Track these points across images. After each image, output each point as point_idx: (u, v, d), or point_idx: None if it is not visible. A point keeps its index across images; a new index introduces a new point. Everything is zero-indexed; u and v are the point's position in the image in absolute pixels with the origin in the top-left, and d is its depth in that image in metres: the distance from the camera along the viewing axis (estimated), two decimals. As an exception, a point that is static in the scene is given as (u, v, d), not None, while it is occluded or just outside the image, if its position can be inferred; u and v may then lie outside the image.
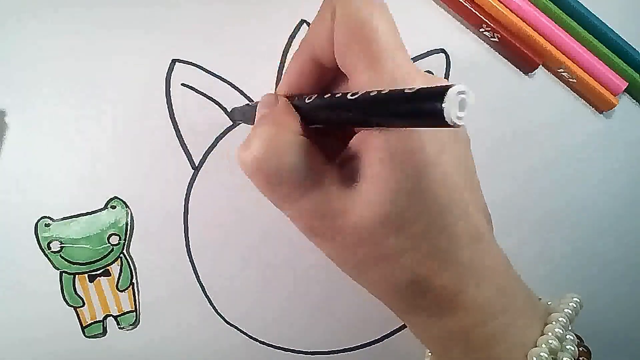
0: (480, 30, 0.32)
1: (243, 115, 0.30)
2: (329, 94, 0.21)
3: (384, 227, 0.21)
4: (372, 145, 0.21)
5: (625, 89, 0.32)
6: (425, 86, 0.16)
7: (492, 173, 0.34)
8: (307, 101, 0.22)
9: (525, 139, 0.34)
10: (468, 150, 0.24)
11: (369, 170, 0.21)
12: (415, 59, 0.32)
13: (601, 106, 0.33)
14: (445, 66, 0.32)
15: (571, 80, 0.32)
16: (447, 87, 0.15)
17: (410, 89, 0.16)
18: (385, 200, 0.20)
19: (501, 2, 0.31)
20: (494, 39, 0.32)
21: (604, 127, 0.34)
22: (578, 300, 0.25)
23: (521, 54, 0.32)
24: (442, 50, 0.32)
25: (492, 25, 0.31)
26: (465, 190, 0.22)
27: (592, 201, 0.34)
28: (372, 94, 0.18)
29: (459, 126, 0.15)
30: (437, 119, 0.15)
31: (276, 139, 0.21)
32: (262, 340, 0.34)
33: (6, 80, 0.31)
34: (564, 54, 0.32)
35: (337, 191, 0.21)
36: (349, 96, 0.19)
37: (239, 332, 0.34)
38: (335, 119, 0.21)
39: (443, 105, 0.15)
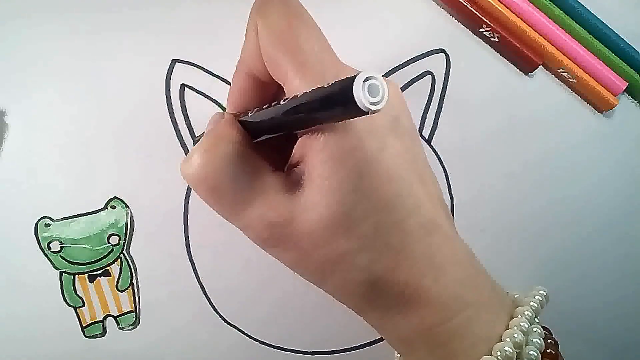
0: (480, 30, 0.32)
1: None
2: (267, 105, 0.22)
3: (332, 228, 0.21)
4: (312, 148, 0.21)
5: (625, 89, 0.32)
6: (343, 79, 0.17)
7: (491, 172, 0.34)
8: (249, 114, 0.23)
9: (525, 139, 0.34)
10: (414, 143, 0.24)
11: (312, 173, 0.21)
12: (415, 59, 0.32)
13: (601, 106, 0.33)
14: (445, 66, 0.32)
15: (571, 80, 0.32)
16: (354, 76, 0.15)
17: (327, 83, 0.17)
18: (330, 201, 0.20)
19: (501, 2, 0.31)
20: (494, 39, 0.32)
21: (604, 127, 0.34)
22: (544, 293, 0.26)
23: (521, 54, 0.32)
24: (442, 50, 0.32)
25: (492, 25, 0.31)
26: (414, 184, 0.22)
27: (592, 201, 0.34)
28: (299, 95, 0.19)
29: (375, 111, 0.15)
30: (352, 108, 0.16)
31: (214, 150, 0.21)
32: (262, 340, 0.34)
33: (6, 80, 0.31)
34: (564, 54, 0.32)
35: (283, 198, 0.21)
36: (281, 102, 0.20)
37: (238, 332, 0.34)
38: (275, 126, 0.22)
39: (353, 93, 0.15)
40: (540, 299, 0.25)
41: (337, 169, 0.20)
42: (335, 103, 0.17)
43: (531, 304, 0.24)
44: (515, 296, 0.26)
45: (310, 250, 0.22)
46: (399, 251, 0.21)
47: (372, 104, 0.15)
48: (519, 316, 0.23)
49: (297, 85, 0.20)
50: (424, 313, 0.22)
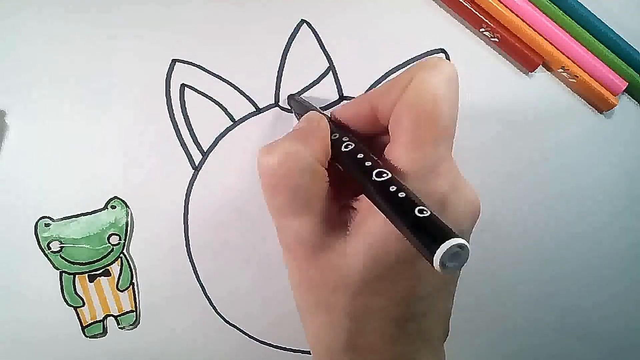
0: (480, 30, 0.32)
1: (297, 107, 0.31)
2: (363, 156, 0.22)
3: (354, 284, 0.22)
4: (368, 223, 0.22)
5: (625, 89, 0.32)
6: (437, 219, 0.17)
7: (491, 173, 0.34)
8: (342, 149, 0.23)
9: (525, 139, 0.34)
10: None
11: (359, 231, 0.22)
12: (415, 59, 0.32)
13: (601, 106, 0.33)
14: (445, 66, 0.32)
15: (571, 80, 0.32)
16: (446, 236, 0.16)
17: (422, 210, 0.17)
18: (361, 268, 0.22)
19: (501, 2, 0.31)
20: (494, 39, 0.32)
21: (604, 127, 0.34)
22: None
23: (521, 54, 0.32)
24: (442, 50, 0.32)
25: (492, 25, 0.31)
26: (439, 300, 0.24)
27: (591, 201, 0.34)
28: (400, 194, 0.19)
29: (439, 271, 0.16)
30: (425, 255, 0.16)
31: (296, 157, 0.22)
32: (262, 340, 0.34)
33: (6, 80, 0.31)
34: (564, 54, 0.32)
35: (326, 229, 0.22)
36: (374, 176, 0.20)
37: (239, 332, 0.34)
38: (352, 173, 0.22)
39: (436, 250, 0.16)
40: None
41: (374, 256, 0.22)
42: (416, 234, 0.17)
43: None
44: None
45: (318, 280, 0.23)
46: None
47: (444, 267, 0.16)
48: None
49: (400, 153, 0.22)
50: None
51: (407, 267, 0.22)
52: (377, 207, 0.20)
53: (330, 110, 0.27)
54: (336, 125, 0.26)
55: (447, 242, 0.15)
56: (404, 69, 0.23)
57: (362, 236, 0.22)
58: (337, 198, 0.23)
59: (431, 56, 0.23)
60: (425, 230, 0.17)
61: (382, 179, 0.20)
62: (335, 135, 0.24)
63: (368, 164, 0.21)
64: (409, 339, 0.23)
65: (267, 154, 0.22)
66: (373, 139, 0.26)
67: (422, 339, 0.24)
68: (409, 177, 0.21)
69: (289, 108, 0.32)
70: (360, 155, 0.22)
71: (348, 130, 0.26)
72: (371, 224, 0.22)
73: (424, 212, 0.17)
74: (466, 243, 0.16)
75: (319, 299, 0.23)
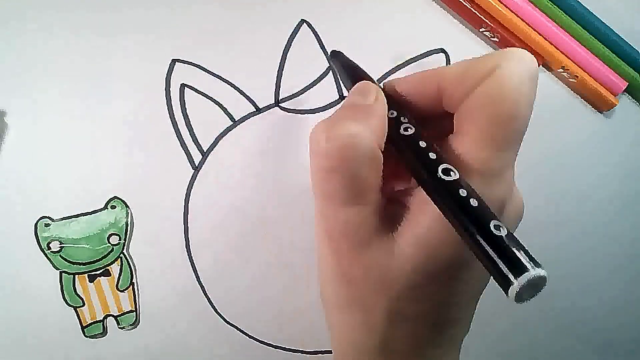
0: (480, 30, 0.32)
1: (341, 69, 0.26)
2: (425, 145, 0.19)
3: (398, 287, 0.20)
4: (420, 223, 0.20)
5: (625, 89, 0.32)
6: (516, 241, 0.15)
7: (492, 173, 0.34)
8: (401, 132, 0.20)
9: (525, 139, 0.33)
10: None
11: (409, 232, 0.20)
12: (415, 59, 0.32)
13: (601, 106, 0.33)
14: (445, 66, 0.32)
15: (571, 80, 0.32)
16: (527, 266, 0.14)
17: (498, 227, 0.15)
18: (408, 272, 0.20)
19: (501, 2, 0.31)
20: (494, 39, 0.32)
21: (604, 127, 0.34)
22: None
23: (521, 54, 0.32)
24: (442, 50, 0.32)
25: (492, 25, 0.31)
26: (472, 304, 0.23)
27: (591, 200, 0.34)
28: (472, 201, 0.16)
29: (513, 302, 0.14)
30: (500, 282, 0.14)
31: (358, 140, 0.19)
32: (262, 340, 0.34)
33: (6, 80, 0.31)
34: (564, 54, 0.32)
35: (376, 224, 0.20)
36: (440, 173, 0.17)
37: (238, 331, 0.34)
38: (412, 171, 0.20)
39: (514, 280, 0.14)
40: None
41: (427, 256, 0.20)
42: (489, 256, 0.15)
43: None
44: None
45: (356, 276, 0.21)
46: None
47: (519, 297, 0.14)
48: None
49: (465, 149, 0.19)
50: None
51: (455, 274, 0.20)
52: (442, 212, 0.17)
53: (385, 81, 0.23)
54: (390, 100, 0.21)
55: (528, 272, 0.14)
56: (483, 55, 0.20)
57: (412, 237, 0.20)
58: (384, 189, 0.21)
59: (514, 48, 0.20)
60: (504, 254, 0.14)
61: (450, 178, 0.17)
62: (393, 113, 0.20)
63: (432, 156, 0.18)
64: (441, 343, 0.22)
65: (324, 132, 0.19)
66: (423, 121, 0.22)
67: (451, 342, 0.23)
68: (474, 177, 0.19)
69: (288, 108, 0.32)
70: (422, 144, 0.19)
71: (403, 106, 0.22)
72: (423, 224, 0.19)
73: (500, 229, 0.15)
74: (546, 275, 0.14)
75: (356, 296, 0.21)
